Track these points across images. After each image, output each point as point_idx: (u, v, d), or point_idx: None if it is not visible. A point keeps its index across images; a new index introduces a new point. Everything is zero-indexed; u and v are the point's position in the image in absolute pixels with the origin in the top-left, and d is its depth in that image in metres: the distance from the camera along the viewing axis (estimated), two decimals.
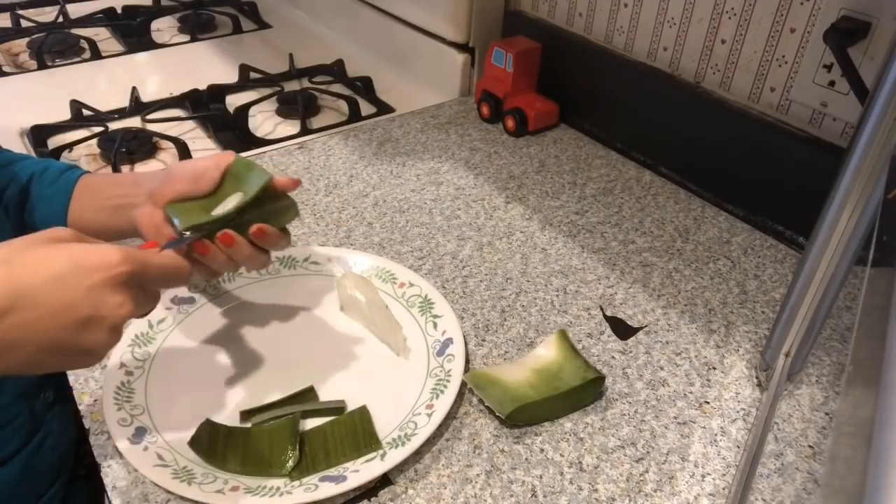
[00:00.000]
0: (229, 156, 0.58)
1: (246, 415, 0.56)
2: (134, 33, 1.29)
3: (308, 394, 0.58)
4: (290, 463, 0.52)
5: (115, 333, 0.43)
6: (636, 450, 0.56)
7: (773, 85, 0.78)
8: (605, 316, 0.68)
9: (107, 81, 1.14)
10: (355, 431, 0.54)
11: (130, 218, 0.60)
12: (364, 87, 1.10)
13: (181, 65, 1.20)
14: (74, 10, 1.38)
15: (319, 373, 0.60)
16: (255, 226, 0.55)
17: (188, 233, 0.53)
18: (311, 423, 0.56)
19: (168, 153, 0.93)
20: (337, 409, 0.57)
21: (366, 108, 1.05)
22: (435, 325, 0.64)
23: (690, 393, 0.61)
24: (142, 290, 0.46)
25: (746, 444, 0.56)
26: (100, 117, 1.00)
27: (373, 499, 0.51)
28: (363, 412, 0.56)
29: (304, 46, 1.24)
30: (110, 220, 0.62)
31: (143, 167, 0.90)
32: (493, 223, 0.81)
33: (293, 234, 0.77)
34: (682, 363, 0.64)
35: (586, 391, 0.59)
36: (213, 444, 0.53)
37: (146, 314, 0.49)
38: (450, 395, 0.56)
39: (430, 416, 0.55)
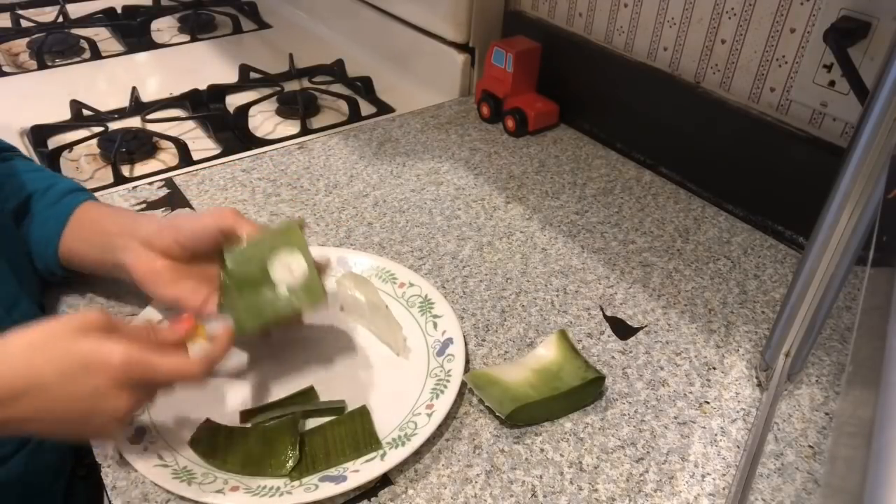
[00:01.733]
0: (231, 214, 0.58)
1: (246, 415, 0.56)
2: (134, 33, 1.29)
3: (308, 394, 0.58)
4: (290, 463, 0.52)
5: (121, 422, 0.48)
6: (636, 450, 0.56)
7: (773, 85, 0.78)
8: (605, 316, 0.68)
9: (107, 81, 1.14)
10: (355, 431, 0.54)
11: (117, 260, 0.60)
12: (364, 87, 1.10)
13: (181, 65, 1.20)
14: (74, 10, 1.38)
15: (319, 373, 0.60)
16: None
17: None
18: (311, 423, 0.56)
19: (168, 153, 0.93)
20: (337, 408, 0.57)
21: (366, 108, 1.05)
22: (435, 325, 0.64)
23: (690, 393, 0.61)
24: (147, 386, 0.49)
25: (746, 444, 0.56)
26: (100, 117, 1.00)
27: (373, 499, 0.51)
28: (363, 412, 0.56)
29: (304, 46, 1.24)
30: (100, 256, 0.62)
31: (143, 167, 0.90)
32: (493, 223, 0.81)
33: None
34: (682, 363, 0.64)
35: (586, 391, 0.59)
36: (213, 444, 0.53)
37: (146, 404, 0.53)
38: (450, 395, 0.56)
39: (430, 416, 0.55)
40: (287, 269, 0.55)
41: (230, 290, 0.56)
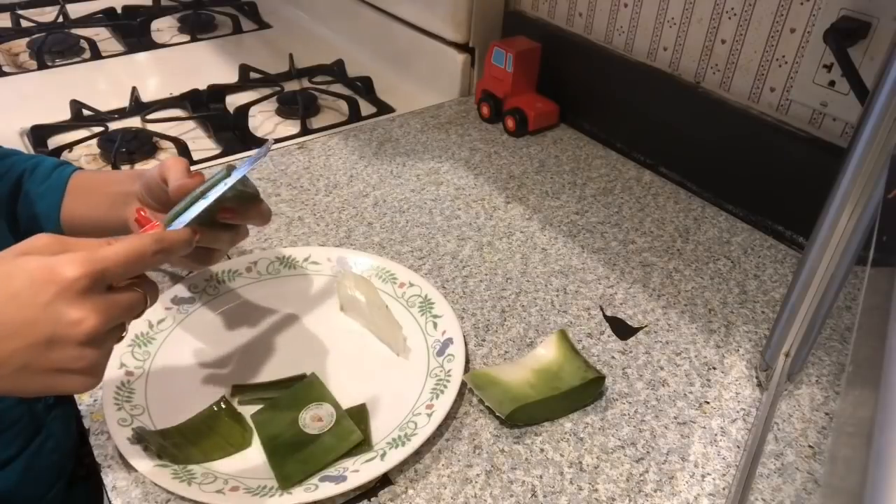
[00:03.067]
0: (169, 163, 0.56)
1: (237, 390, 0.58)
2: (134, 33, 1.29)
3: (301, 379, 0.59)
4: (249, 434, 0.54)
5: (88, 348, 0.40)
6: (636, 450, 0.56)
7: (773, 85, 0.78)
8: (605, 316, 0.68)
9: (107, 81, 1.14)
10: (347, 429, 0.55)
11: (123, 215, 0.60)
12: (364, 87, 1.10)
13: (181, 65, 1.20)
14: (74, 10, 1.38)
15: (319, 373, 0.60)
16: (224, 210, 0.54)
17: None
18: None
19: (168, 153, 0.93)
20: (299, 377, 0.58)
21: (366, 108, 1.05)
22: (435, 325, 0.64)
23: (690, 393, 0.61)
24: (117, 292, 0.43)
25: (746, 444, 0.56)
26: (100, 117, 1.00)
27: (373, 499, 0.51)
28: (361, 411, 0.56)
29: (304, 46, 1.24)
30: (107, 214, 0.62)
31: (143, 167, 0.90)
32: (493, 223, 0.81)
33: (294, 235, 0.77)
34: (682, 363, 0.64)
35: (586, 391, 0.59)
36: (163, 449, 0.52)
37: (138, 315, 0.44)
38: (450, 395, 0.56)
39: (430, 416, 0.55)
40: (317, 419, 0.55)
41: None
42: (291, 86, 1.10)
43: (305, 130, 0.98)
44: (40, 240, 0.42)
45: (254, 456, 0.53)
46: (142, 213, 0.53)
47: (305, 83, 1.13)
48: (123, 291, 0.43)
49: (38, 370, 0.40)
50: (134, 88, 1.04)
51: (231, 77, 1.13)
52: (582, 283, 0.72)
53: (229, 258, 0.70)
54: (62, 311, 0.39)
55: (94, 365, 0.41)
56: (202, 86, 1.07)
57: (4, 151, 0.67)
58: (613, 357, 0.64)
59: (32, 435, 0.60)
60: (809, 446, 0.56)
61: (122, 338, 0.45)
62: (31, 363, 0.40)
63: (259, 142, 0.96)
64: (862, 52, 0.67)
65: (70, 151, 0.91)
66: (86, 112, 1.00)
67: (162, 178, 0.56)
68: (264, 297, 0.68)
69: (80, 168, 0.67)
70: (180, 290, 0.67)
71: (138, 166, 0.90)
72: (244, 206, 0.55)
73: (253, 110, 1.00)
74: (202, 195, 0.52)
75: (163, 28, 1.34)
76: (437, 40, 1.08)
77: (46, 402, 0.62)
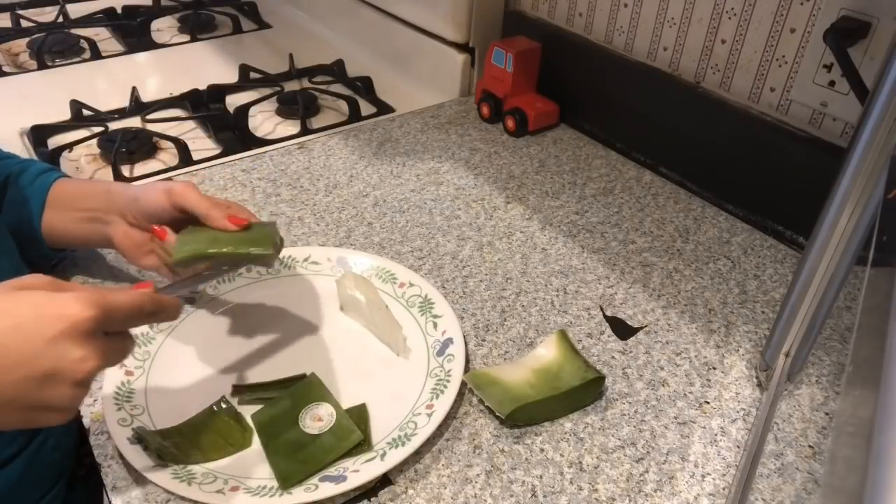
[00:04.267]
0: (183, 190, 0.58)
1: (237, 390, 0.58)
2: (134, 33, 1.29)
3: (299, 379, 0.59)
4: (249, 434, 0.54)
5: (81, 388, 0.41)
6: (636, 450, 0.56)
7: (773, 85, 0.78)
8: (605, 316, 0.68)
9: (107, 81, 1.14)
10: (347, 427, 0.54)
11: (104, 233, 0.61)
12: (364, 87, 1.10)
13: (181, 65, 1.20)
14: (74, 10, 1.38)
15: (319, 373, 0.60)
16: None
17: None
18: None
19: (168, 153, 0.93)
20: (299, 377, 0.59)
21: (366, 108, 1.05)
22: (435, 325, 0.64)
23: (690, 393, 0.61)
24: (111, 338, 0.44)
25: (746, 444, 0.56)
26: (100, 117, 0.99)
27: (373, 499, 0.51)
28: (361, 411, 0.56)
29: (304, 46, 1.24)
30: (82, 231, 0.63)
31: (143, 167, 0.90)
32: (493, 223, 0.81)
33: (294, 235, 0.77)
34: (682, 363, 0.64)
35: (586, 391, 0.59)
36: (163, 449, 0.52)
37: (118, 362, 0.45)
38: (450, 395, 0.56)
39: (430, 416, 0.55)
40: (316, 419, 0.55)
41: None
42: (291, 86, 1.10)
43: (305, 130, 0.98)
44: (37, 278, 0.42)
45: (254, 456, 0.53)
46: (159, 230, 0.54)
47: (305, 83, 1.13)
48: (118, 338, 0.44)
49: (24, 406, 0.40)
50: (134, 88, 1.04)
51: (231, 77, 1.13)
52: (582, 283, 0.72)
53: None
54: (67, 348, 0.39)
55: (77, 404, 0.41)
56: (202, 86, 1.07)
57: None
58: (613, 357, 0.64)
59: (33, 434, 0.60)
60: (809, 446, 0.56)
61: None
62: (21, 397, 0.39)
63: (259, 142, 0.96)
64: (862, 52, 0.67)
65: (70, 151, 0.91)
66: (86, 112, 1.00)
67: (175, 207, 0.57)
68: (264, 297, 0.68)
69: (65, 176, 0.67)
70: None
71: (138, 166, 0.90)
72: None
73: (253, 110, 1.00)
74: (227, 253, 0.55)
75: (163, 28, 1.34)
76: (437, 40, 1.08)
77: None
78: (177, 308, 0.49)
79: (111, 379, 0.57)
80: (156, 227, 0.58)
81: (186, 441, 0.53)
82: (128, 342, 0.45)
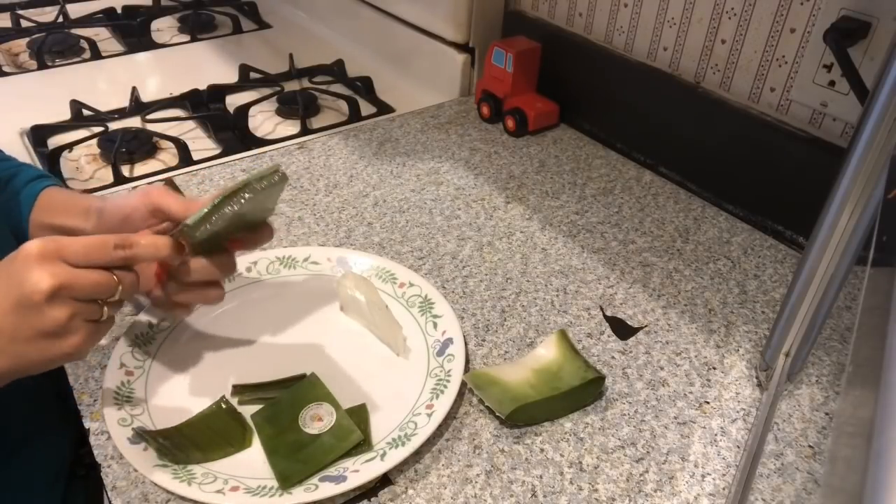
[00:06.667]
0: (161, 191, 0.57)
1: (237, 390, 0.58)
2: (134, 33, 1.29)
3: (300, 379, 0.59)
4: (249, 434, 0.54)
5: (55, 308, 0.44)
6: (636, 450, 0.56)
7: (773, 85, 0.78)
8: (605, 316, 0.68)
9: (107, 81, 1.14)
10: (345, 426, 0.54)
11: None
12: (364, 87, 1.10)
13: (181, 65, 1.20)
14: (74, 10, 1.38)
15: (319, 373, 0.60)
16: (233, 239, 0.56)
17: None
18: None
19: (168, 153, 0.93)
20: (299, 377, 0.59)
21: (366, 108, 1.05)
22: (435, 325, 0.64)
23: (690, 393, 0.61)
24: (76, 269, 0.46)
25: (746, 444, 0.56)
26: (100, 117, 1.00)
27: (373, 499, 0.51)
28: (361, 411, 0.56)
29: (304, 46, 1.24)
30: None
31: (143, 167, 0.90)
32: (493, 223, 0.81)
33: (294, 235, 0.77)
34: (682, 363, 0.64)
35: (586, 391, 0.59)
36: (163, 449, 0.52)
37: (116, 302, 0.48)
38: (450, 395, 0.56)
39: (430, 416, 0.55)
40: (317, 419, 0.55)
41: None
42: (291, 86, 1.10)
43: (305, 130, 0.98)
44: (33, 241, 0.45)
45: (254, 456, 0.53)
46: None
47: (305, 83, 1.13)
48: (90, 270, 0.46)
49: (26, 337, 0.45)
50: (134, 88, 1.04)
51: (231, 77, 1.13)
52: (582, 283, 0.72)
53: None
54: (22, 274, 0.44)
55: (67, 327, 0.45)
56: (202, 86, 1.07)
57: None
58: (613, 357, 0.64)
59: (33, 434, 0.60)
60: (809, 446, 0.56)
61: (104, 321, 0.48)
62: (16, 331, 0.44)
63: (259, 142, 0.96)
64: (862, 52, 0.67)
65: (70, 151, 0.91)
66: (86, 112, 1.00)
67: (150, 210, 0.56)
68: (264, 297, 0.68)
69: (55, 184, 0.66)
70: None
71: (138, 166, 0.90)
72: (255, 230, 0.57)
73: (253, 110, 1.00)
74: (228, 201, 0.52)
75: (163, 28, 1.34)
76: (437, 40, 1.08)
77: (47, 402, 0.62)
78: (164, 245, 0.50)
79: (111, 379, 0.57)
80: (156, 272, 0.56)
81: (186, 441, 0.53)
82: (100, 274, 0.46)
